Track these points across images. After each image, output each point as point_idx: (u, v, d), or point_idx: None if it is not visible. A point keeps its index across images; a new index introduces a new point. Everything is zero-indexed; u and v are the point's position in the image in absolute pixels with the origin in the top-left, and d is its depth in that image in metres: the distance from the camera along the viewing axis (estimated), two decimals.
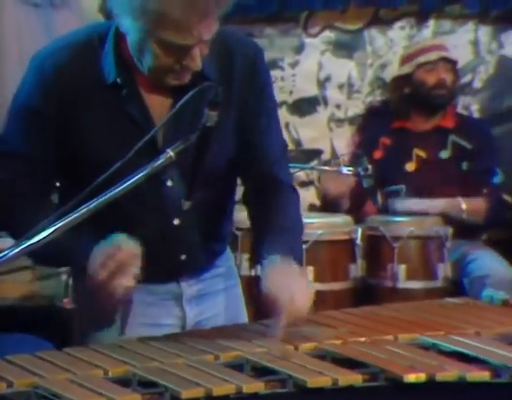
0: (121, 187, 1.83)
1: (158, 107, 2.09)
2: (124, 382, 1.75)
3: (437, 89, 4.14)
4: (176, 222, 2.16)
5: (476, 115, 4.58)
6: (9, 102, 3.93)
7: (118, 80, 2.05)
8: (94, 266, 2.00)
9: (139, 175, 1.85)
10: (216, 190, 2.20)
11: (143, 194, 2.01)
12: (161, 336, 2.07)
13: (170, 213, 2.15)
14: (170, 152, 1.87)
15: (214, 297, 2.31)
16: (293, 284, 2.04)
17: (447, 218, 3.87)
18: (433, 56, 4.19)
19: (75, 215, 1.79)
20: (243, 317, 2.38)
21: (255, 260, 2.30)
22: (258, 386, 1.73)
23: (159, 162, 1.87)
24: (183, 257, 2.21)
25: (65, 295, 3.84)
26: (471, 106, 4.58)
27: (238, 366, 1.85)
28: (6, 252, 1.69)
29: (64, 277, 3.97)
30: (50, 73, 2.07)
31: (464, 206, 3.97)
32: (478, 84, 4.68)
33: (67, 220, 1.78)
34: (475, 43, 4.67)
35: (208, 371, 1.79)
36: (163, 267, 2.18)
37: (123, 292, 2.00)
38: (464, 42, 4.61)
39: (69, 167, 2.13)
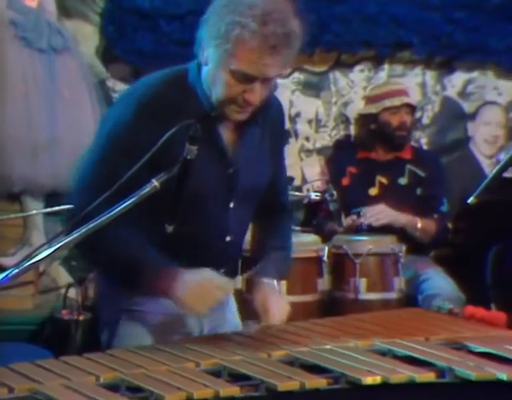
0: (112, 212, 1.81)
1: (228, 138, 2.17)
2: (114, 387, 1.75)
3: (399, 131, 4.18)
4: (228, 238, 2.22)
5: (425, 147, 4.62)
6: (12, 140, 3.97)
7: (212, 113, 2.11)
8: (186, 293, 2.04)
9: (128, 202, 1.84)
10: (251, 211, 2.29)
11: (208, 214, 2.10)
12: (147, 346, 2.07)
13: (227, 230, 2.21)
14: (155, 182, 1.87)
15: (222, 308, 2.30)
16: (273, 305, 2.21)
17: (401, 237, 3.89)
18: (397, 102, 4.21)
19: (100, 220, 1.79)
20: (238, 323, 2.42)
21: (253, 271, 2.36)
22: (234, 390, 1.73)
23: (145, 190, 1.85)
24: (222, 270, 2.22)
25: (63, 307, 3.81)
26: (421, 139, 4.63)
27: (216, 372, 1.85)
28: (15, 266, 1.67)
29: (63, 291, 3.95)
30: (150, 104, 2.09)
31: (419, 225, 4.00)
32: (426, 120, 4.73)
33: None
34: (423, 85, 4.72)
35: (189, 377, 1.78)
36: None
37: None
38: (413, 84, 4.65)
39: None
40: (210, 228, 2.17)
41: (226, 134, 2.17)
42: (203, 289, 2.06)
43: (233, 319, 2.38)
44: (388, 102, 4.21)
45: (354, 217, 3.95)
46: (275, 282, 2.28)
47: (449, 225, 4.15)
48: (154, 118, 2.06)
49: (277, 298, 2.26)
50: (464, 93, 4.75)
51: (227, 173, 2.17)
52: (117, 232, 1.98)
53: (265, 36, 1.97)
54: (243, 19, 1.97)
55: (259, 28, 1.97)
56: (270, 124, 2.26)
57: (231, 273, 2.29)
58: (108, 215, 1.80)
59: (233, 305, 2.42)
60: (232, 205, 2.19)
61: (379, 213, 3.94)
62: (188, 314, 2.21)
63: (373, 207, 3.96)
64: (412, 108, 4.25)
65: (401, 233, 3.90)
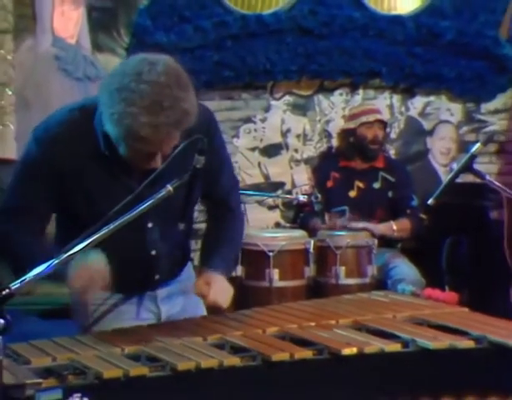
0: (130, 215, 1.74)
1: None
2: (136, 357, 1.75)
3: (372, 144, 4.19)
4: (153, 252, 2.08)
5: (393, 157, 4.62)
6: None
7: (106, 153, 1.91)
8: (71, 277, 1.88)
9: (145, 205, 1.76)
10: (186, 224, 2.08)
11: (130, 233, 1.85)
12: (163, 323, 2.06)
13: (149, 246, 2.06)
14: (169, 187, 1.78)
15: (179, 296, 2.20)
16: (215, 285, 2.02)
17: (377, 237, 3.89)
18: (371, 118, 4.24)
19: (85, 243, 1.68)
20: (202, 309, 2.20)
21: (200, 262, 2.18)
22: (235, 360, 1.73)
23: (161, 194, 1.77)
24: (157, 276, 2.13)
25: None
26: (390, 150, 4.62)
27: (220, 345, 1.84)
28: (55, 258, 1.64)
29: None
30: (53, 144, 1.91)
31: (394, 227, 3.99)
32: (393, 135, 4.71)
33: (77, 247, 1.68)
34: (391, 107, 4.71)
35: (197, 349, 1.78)
36: (140, 284, 2.11)
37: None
38: (383, 105, 4.64)
39: (66, 208, 2.01)
40: (132, 246, 2.01)
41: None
42: (84, 273, 1.87)
43: (195, 306, 2.18)
44: (364, 118, 4.23)
45: (336, 220, 3.95)
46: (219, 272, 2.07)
47: (423, 216, 4.12)
48: (54, 155, 1.91)
49: (219, 281, 2.04)
50: (423, 113, 4.75)
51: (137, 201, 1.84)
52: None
53: (156, 126, 1.75)
54: (133, 110, 1.74)
55: (149, 120, 1.74)
56: (194, 145, 1.86)
57: (170, 274, 2.15)
58: (127, 217, 1.74)
59: (193, 296, 2.20)
60: (150, 225, 2.02)
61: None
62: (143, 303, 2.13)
63: (356, 224, 3.94)
64: (383, 124, 4.26)
65: (381, 238, 3.88)
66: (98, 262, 1.89)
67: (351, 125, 4.29)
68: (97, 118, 1.90)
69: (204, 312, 2.21)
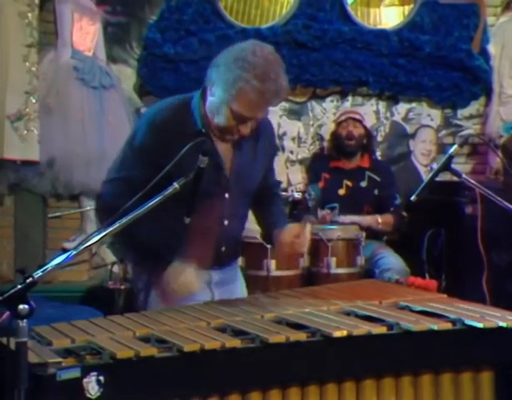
0: (142, 209, 1.73)
1: (223, 150, 2.13)
2: (146, 339, 1.74)
3: (347, 140, 4.18)
4: (226, 222, 2.17)
5: (379, 158, 4.61)
6: (72, 155, 3.97)
7: (203, 130, 2.02)
8: (170, 286, 2.06)
9: (154, 201, 1.76)
10: (247, 203, 2.25)
11: (207, 204, 1.99)
12: (171, 308, 2.04)
13: (224, 216, 2.16)
14: (176, 185, 1.80)
15: (231, 284, 2.29)
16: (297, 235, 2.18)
17: (365, 228, 3.88)
18: (343, 117, 4.27)
19: (134, 213, 1.71)
20: (245, 294, 2.37)
21: (266, 233, 2.36)
22: (236, 342, 1.72)
23: (168, 191, 1.78)
24: (223, 248, 2.20)
25: (110, 279, 3.79)
26: (376, 152, 4.61)
27: (222, 329, 1.83)
28: (73, 249, 1.63)
29: (109, 267, 3.94)
30: (159, 124, 2.07)
31: (379, 220, 3.98)
32: (379, 138, 4.70)
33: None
34: (377, 112, 4.70)
35: (202, 332, 1.77)
36: (209, 254, 2.15)
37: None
38: (370, 111, 4.63)
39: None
40: (210, 215, 2.09)
41: (221, 146, 2.12)
42: (183, 286, 2.06)
43: (240, 294, 2.33)
44: (339, 118, 4.29)
45: (326, 213, 3.94)
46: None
47: (405, 213, 4.12)
48: (160, 136, 2.05)
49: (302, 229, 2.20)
50: (406, 119, 4.73)
51: (221, 176, 2.12)
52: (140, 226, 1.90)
53: (262, 91, 1.95)
54: (247, 75, 1.95)
55: (258, 85, 1.95)
56: (263, 139, 2.22)
57: (231, 252, 2.24)
58: (138, 212, 1.73)
59: (240, 285, 2.36)
60: (227, 196, 2.15)
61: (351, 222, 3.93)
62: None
63: (346, 217, 3.94)
64: (359, 122, 4.22)
65: (367, 230, 3.87)
66: (191, 275, 2.06)
67: (333, 128, 4.33)
68: (195, 103, 2.10)
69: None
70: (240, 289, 2.37)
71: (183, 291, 2.07)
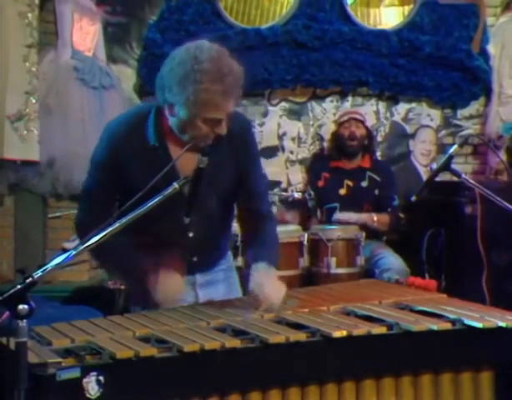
0: (145, 207, 1.75)
1: (184, 160, 1.97)
2: (146, 339, 1.74)
3: (349, 140, 4.18)
4: (191, 234, 2.12)
5: (379, 158, 4.61)
6: (73, 155, 3.97)
7: (156, 144, 2.03)
8: (155, 290, 2.04)
9: (153, 202, 1.77)
10: (218, 211, 2.15)
11: (171, 215, 1.98)
12: (171, 308, 2.04)
13: (187, 228, 2.11)
14: (175, 185, 1.80)
15: (217, 285, 2.26)
16: (269, 285, 2.01)
17: (362, 227, 3.88)
18: (345, 117, 4.27)
19: (117, 224, 1.70)
20: (239, 294, 2.30)
21: (245, 265, 2.20)
22: (235, 342, 1.71)
23: (168, 191, 1.79)
24: (195, 258, 2.17)
25: (109, 279, 3.79)
26: (376, 152, 4.60)
27: (222, 329, 1.83)
28: (73, 249, 1.63)
29: None
30: (114, 139, 2.06)
31: (375, 218, 3.98)
32: (379, 138, 4.71)
33: (113, 227, 1.70)
34: (377, 113, 4.70)
35: (202, 332, 1.77)
36: (183, 262, 2.15)
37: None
38: (370, 111, 4.63)
39: (124, 191, 2.06)
40: (170, 229, 2.07)
41: (181, 157, 1.96)
42: (170, 293, 2.06)
43: (235, 293, 2.29)
44: (341, 119, 4.28)
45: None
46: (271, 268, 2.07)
47: (402, 215, 4.13)
48: (115, 150, 2.05)
49: (273, 281, 2.03)
50: (406, 119, 4.73)
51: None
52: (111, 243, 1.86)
53: (224, 89, 1.89)
54: (205, 85, 1.88)
55: (219, 87, 1.89)
56: (232, 143, 2.06)
57: (207, 259, 2.20)
58: (136, 213, 1.73)
59: (235, 282, 2.34)
60: (187, 213, 2.02)
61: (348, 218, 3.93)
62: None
63: (343, 214, 3.94)
64: (361, 123, 4.22)
65: (362, 227, 3.88)
66: (177, 281, 2.06)
67: (335, 128, 4.33)
68: (151, 118, 2.04)
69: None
70: (234, 287, 2.32)
71: (171, 299, 2.07)
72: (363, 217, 3.95)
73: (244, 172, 2.13)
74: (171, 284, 2.06)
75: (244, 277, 2.13)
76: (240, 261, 3.53)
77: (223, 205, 2.15)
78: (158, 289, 2.05)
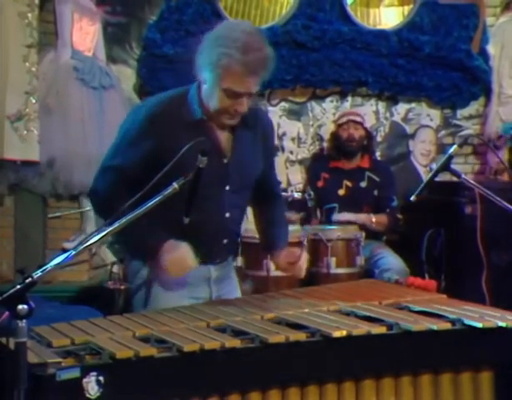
0: (142, 209, 1.70)
1: (223, 138, 2.12)
2: (146, 339, 1.74)
3: (348, 141, 4.18)
4: (227, 214, 2.16)
5: (379, 158, 4.61)
6: (72, 155, 3.96)
7: (204, 117, 2.07)
8: (164, 261, 2.03)
9: (154, 200, 1.73)
10: (248, 191, 2.22)
11: (210, 193, 2.03)
12: (170, 308, 2.04)
13: (225, 208, 2.15)
14: (175, 185, 1.77)
15: (227, 280, 2.28)
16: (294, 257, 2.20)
17: (361, 227, 3.88)
18: (344, 119, 4.26)
19: (135, 213, 1.69)
20: (238, 292, 2.36)
21: (264, 243, 2.35)
22: (235, 342, 1.72)
23: (167, 191, 1.75)
24: (225, 241, 2.19)
25: (110, 279, 3.79)
26: (376, 152, 4.60)
27: (222, 329, 1.83)
28: (73, 249, 1.61)
29: (109, 267, 3.93)
30: (157, 116, 2.06)
31: (373, 219, 3.98)
32: (379, 139, 4.70)
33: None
34: (376, 113, 4.69)
35: (202, 333, 1.77)
36: (214, 245, 2.17)
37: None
38: (369, 111, 4.63)
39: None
40: (211, 206, 2.10)
41: (221, 134, 2.12)
42: (176, 261, 2.03)
43: (234, 292, 2.33)
44: (339, 121, 4.28)
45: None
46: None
47: (400, 216, 4.13)
48: (159, 127, 2.04)
49: (300, 253, 2.23)
50: (406, 119, 4.73)
51: (222, 164, 2.10)
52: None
53: (246, 63, 1.95)
54: (229, 51, 1.95)
55: (241, 57, 1.95)
56: (261, 131, 2.21)
57: (231, 245, 2.25)
58: (139, 211, 1.71)
59: (235, 280, 2.36)
60: (228, 188, 2.12)
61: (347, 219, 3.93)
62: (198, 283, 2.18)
63: (342, 215, 3.94)
64: (360, 124, 4.22)
65: (361, 227, 3.87)
66: (186, 251, 2.03)
67: (334, 129, 4.33)
68: (192, 95, 2.09)
69: (239, 295, 2.34)
70: (236, 284, 2.37)
71: (178, 268, 2.05)
72: (361, 217, 3.95)
73: (268, 158, 2.28)
74: (180, 251, 2.03)
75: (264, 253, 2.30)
76: (240, 261, 3.54)
77: (252, 185, 2.23)
78: (166, 257, 2.03)
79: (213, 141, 2.09)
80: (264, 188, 2.29)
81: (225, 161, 2.12)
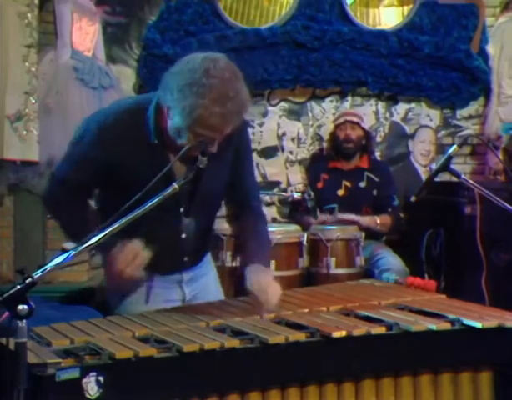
0: (143, 208, 1.70)
1: (177, 164, 1.90)
2: (145, 339, 1.74)
3: (345, 142, 4.18)
4: (183, 235, 2.11)
5: (378, 158, 4.61)
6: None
7: (156, 141, 1.96)
8: (115, 256, 1.93)
9: (153, 202, 1.72)
10: (210, 212, 2.16)
11: (164, 217, 1.92)
12: (170, 308, 2.05)
13: (180, 230, 2.09)
14: (175, 185, 1.76)
15: (200, 279, 2.24)
16: (266, 283, 1.99)
17: (363, 228, 3.87)
18: (341, 120, 4.26)
19: (115, 225, 1.66)
20: (219, 290, 2.31)
21: (242, 263, 2.16)
22: (235, 343, 1.71)
23: (168, 191, 1.75)
24: (186, 258, 2.16)
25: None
26: (375, 152, 4.60)
27: (221, 329, 1.83)
28: (73, 249, 1.61)
29: None
30: (108, 132, 1.95)
31: (378, 221, 3.97)
32: (378, 139, 4.71)
33: (110, 228, 1.66)
34: (376, 113, 4.69)
35: (201, 333, 1.77)
36: (172, 264, 2.14)
37: (132, 276, 1.94)
38: (369, 111, 4.64)
39: (108, 186, 2.04)
40: (166, 228, 2.02)
41: (174, 160, 1.89)
42: (125, 258, 1.93)
43: (214, 289, 2.29)
44: (337, 122, 4.27)
45: (326, 216, 3.93)
46: (262, 266, 2.05)
47: (402, 214, 4.13)
48: (111, 140, 1.95)
49: (273, 285, 2.00)
50: (405, 119, 4.73)
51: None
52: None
53: (223, 114, 1.81)
54: (205, 102, 1.79)
55: (218, 109, 1.80)
56: (234, 146, 2.05)
57: (196, 257, 2.19)
58: (136, 213, 1.69)
59: (212, 275, 2.31)
60: (182, 210, 1.98)
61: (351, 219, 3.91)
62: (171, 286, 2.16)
63: (348, 215, 3.92)
64: (357, 125, 4.20)
65: (365, 230, 3.85)
66: (137, 245, 1.92)
67: (332, 129, 4.32)
68: (150, 113, 1.96)
69: (221, 291, 2.29)
70: (214, 278, 2.32)
71: (130, 261, 1.92)
72: (366, 220, 3.94)
73: (241, 170, 2.12)
74: (129, 248, 1.92)
75: (240, 276, 2.09)
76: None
77: (217, 205, 2.15)
78: (116, 258, 1.93)
79: (165, 166, 1.84)
80: (237, 201, 2.18)
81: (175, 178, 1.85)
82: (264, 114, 4.55)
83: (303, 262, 3.71)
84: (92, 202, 2.21)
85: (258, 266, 2.03)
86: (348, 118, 4.24)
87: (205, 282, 2.26)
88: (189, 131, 1.86)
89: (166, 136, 1.95)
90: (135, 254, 1.92)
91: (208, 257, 2.33)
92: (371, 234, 3.94)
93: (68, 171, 2.06)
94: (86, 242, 1.65)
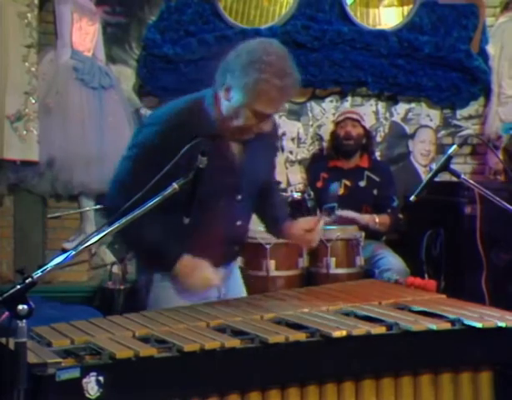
0: (142, 209, 1.70)
1: (235, 149, 2.14)
2: (146, 339, 1.74)
3: (345, 140, 4.17)
4: (238, 222, 2.19)
5: (378, 158, 4.61)
6: (72, 155, 3.97)
7: (219, 129, 2.06)
8: (182, 274, 2.06)
9: (154, 201, 1.72)
10: (254, 201, 2.25)
11: (220, 206, 2.07)
12: (171, 308, 2.04)
13: (236, 217, 2.17)
14: (175, 185, 1.76)
15: (232, 275, 2.32)
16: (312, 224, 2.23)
17: (363, 227, 3.87)
18: (341, 117, 4.26)
19: (115, 225, 1.67)
20: (243, 289, 2.40)
21: (271, 226, 2.40)
22: (235, 342, 1.72)
23: (167, 192, 1.74)
24: (236, 248, 2.25)
25: (109, 279, 3.79)
26: (375, 152, 4.60)
27: (222, 329, 1.83)
28: (73, 249, 1.60)
29: (109, 267, 3.94)
30: (176, 126, 2.02)
31: (377, 220, 3.97)
32: (378, 139, 4.70)
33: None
34: (376, 113, 4.69)
35: (201, 333, 1.77)
36: (226, 254, 2.20)
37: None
38: (369, 111, 4.63)
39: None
40: (224, 216, 2.12)
41: (233, 146, 2.13)
42: (201, 281, 2.07)
43: (238, 288, 2.36)
44: (337, 118, 4.27)
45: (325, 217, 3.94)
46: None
47: (401, 215, 4.13)
48: (175, 138, 1.95)
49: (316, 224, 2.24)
50: (405, 119, 4.73)
51: (234, 175, 2.12)
52: (143, 226, 1.88)
53: (282, 87, 1.99)
54: (266, 76, 1.97)
55: (278, 82, 1.98)
56: (267, 139, 2.22)
57: (241, 249, 2.31)
58: (139, 211, 1.71)
59: (238, 277, 2.39)
60: (239, 197, 2.16)
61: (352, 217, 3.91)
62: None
63: (347, 212, 3.92)
64: (358, 122, 4.20)
65: (364, 228, 3.85)
66: (212, 273, 2.06)
67: (332, 128, 4.32)
68: (208, 106, 2.08)
69: (244, 292, 2.36)
70: (239, 278, 2.40)
71: (201, 285, 2.08)
72: (365, 218, 3.94)
73: (272, 163, 2.37)
74: (203, 270, 2.05)
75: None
76: (240, 261, 3.53)
77: (258, 195, 2.26)
78: (187, 275, 2.05)
79: (227, 153, 2.10)
80: (265, 191, 2.33)
81: (237, 172, 2.13)
82: None
83: (303, 262, 3.70)
84: None
85: (290, 222, 2.28)
86: (349, 115, 4.24)
87: (235, 281, 2.34)
88: (249, 108, 2.00)
89: (225, 124, 2.06)
90: (207, 280, 2.06)
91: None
92: (371, 234, 3.93)
93: (136, 176, 2.02)
94: (86, 241, 1.65)
